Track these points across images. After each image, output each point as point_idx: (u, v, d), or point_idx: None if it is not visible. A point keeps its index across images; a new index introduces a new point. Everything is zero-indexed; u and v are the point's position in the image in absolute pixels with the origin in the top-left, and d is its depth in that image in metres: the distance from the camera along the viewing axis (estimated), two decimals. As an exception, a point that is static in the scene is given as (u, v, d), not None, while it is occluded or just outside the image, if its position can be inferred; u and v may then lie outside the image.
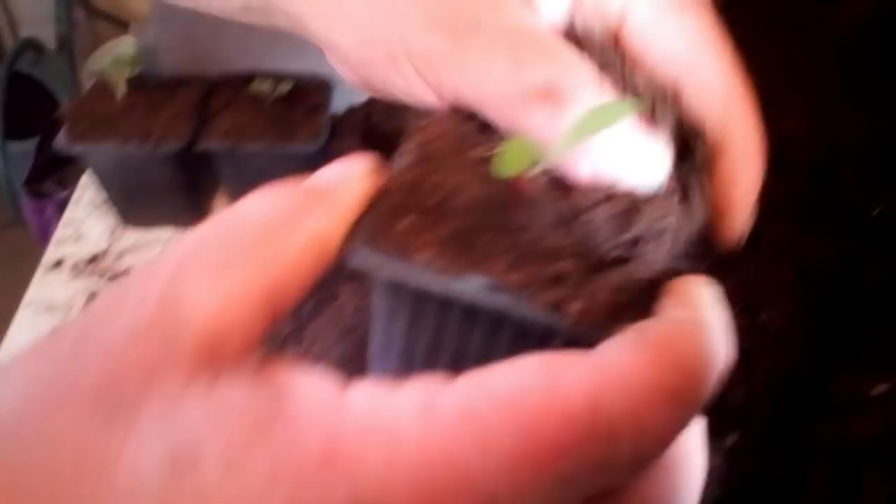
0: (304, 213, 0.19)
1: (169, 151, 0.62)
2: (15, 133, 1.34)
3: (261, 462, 0.14)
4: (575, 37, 0.25)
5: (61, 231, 0.66)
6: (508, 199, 0.20)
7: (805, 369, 0.48)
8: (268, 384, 0.16)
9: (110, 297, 0.17)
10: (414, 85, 0.24)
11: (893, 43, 0.56)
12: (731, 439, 0.48)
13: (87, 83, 0.82)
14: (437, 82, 0.23)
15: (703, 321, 0.17)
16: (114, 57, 0.66)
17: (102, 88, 0.66)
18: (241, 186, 0.65)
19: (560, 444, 0.14)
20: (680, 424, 0.16)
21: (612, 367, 0.15)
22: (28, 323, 0.58)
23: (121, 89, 0.63)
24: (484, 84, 0.22)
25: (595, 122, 0.19)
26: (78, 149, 0.62)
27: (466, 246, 0.18)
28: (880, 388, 0.45)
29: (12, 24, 1.51)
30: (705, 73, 0.24)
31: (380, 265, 0.18)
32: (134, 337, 0.16)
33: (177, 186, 0.66)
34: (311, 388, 0.16)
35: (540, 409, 0.14)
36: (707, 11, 0.25)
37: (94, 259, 0.64)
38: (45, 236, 1.23)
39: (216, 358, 0.16)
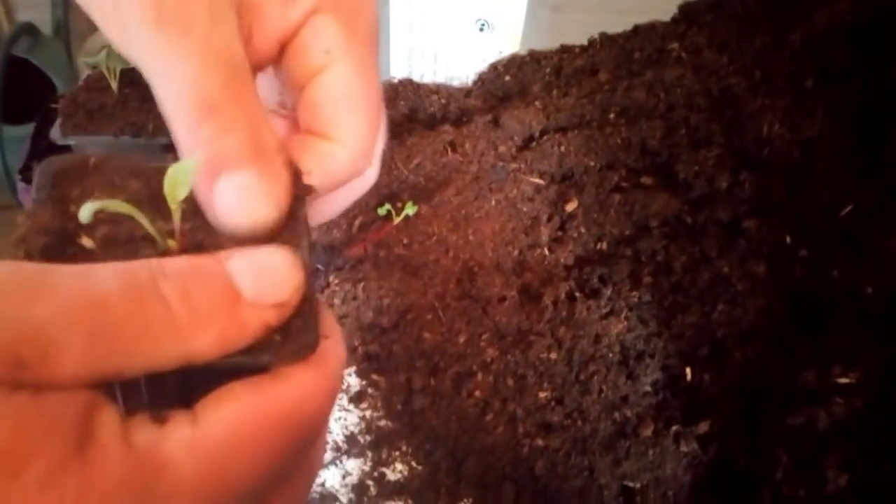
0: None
1: (162, 144, 0.63)
2: (11, 117, 1.34)
3: (73, 485, 0.18)
4: None
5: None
6: None
7: (774, 361, 0.51)
8: (83, 409, 0.19)
9: None
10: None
11: (866, 48, 0.58)
12: (702, 426, 0.50)
13: (83, 67, 0.82)
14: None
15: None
16: (108, 49, 0.67)
17: (96, 81, 0.67)
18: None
19: (288, 444, 0.22)
20: (333, 399, 0.24)
21: (300, 384, 0.22)
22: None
23: (114, 82, 0.65)
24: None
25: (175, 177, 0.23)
26: (72, 140, 0.63)
27: None
28: (845, 380, 0.47)
29: (8, 8, 1.51)
30: (346, 126, 0.28)
31: None
32: None
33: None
34: (111, 422, 0.19)
35: (258, 424, 0.21)
36: (367, 50, 0.29)
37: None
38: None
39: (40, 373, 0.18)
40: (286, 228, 0.25)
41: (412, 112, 0.72)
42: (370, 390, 0.57)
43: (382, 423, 0.55)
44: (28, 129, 1.32)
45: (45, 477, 0.17)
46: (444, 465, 0.52)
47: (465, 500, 0.50)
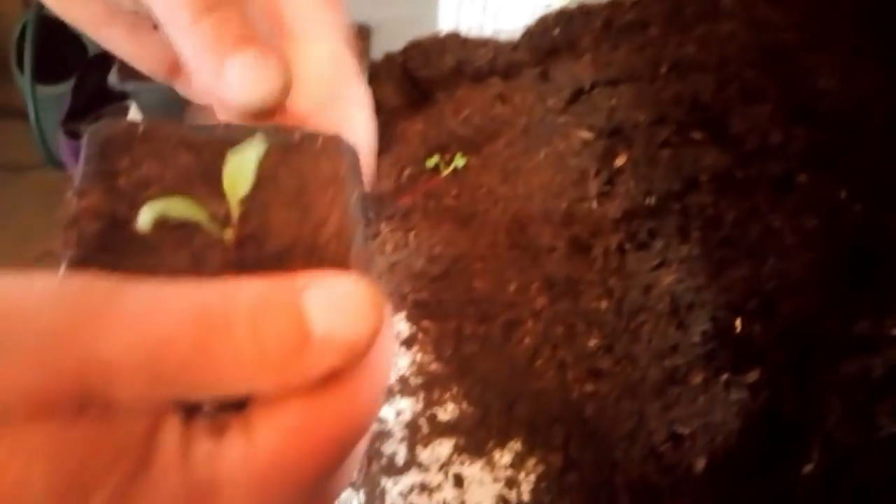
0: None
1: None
2: (44, 77, 1.35)
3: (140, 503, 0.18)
4: None
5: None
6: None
7: (826, 312, 0.51)
8: (146, 434, 0.19)
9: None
10: None
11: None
12: (751, 375, 0.51)
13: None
14: None
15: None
16: None
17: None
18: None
19: (336, 456, 0.21)
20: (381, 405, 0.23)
21: (353, 393, 0.21)
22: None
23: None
24: None
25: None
26: (130, 87, 0.64)
27: None
28: (897, 331, 0.47)
29: (40, -34, 1.52)
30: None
31: None
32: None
33: (220, 127, 0.68)
34: (172, 442, 0.19)
35: (313, 439, 0.20)
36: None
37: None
38: (79, 177, 1.26)
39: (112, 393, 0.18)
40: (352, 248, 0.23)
41: (459, 65, 0.72)
42: (420, 335, 0.58)
43: (433, 366, 0.56)
44: (60, 88, 1.34)
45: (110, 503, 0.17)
46: (495, 408, 0.53)
47: (515, 440, 0.52)
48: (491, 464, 0.51)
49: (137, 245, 0.22)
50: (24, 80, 1.34)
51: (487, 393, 0.54)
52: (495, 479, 0.50)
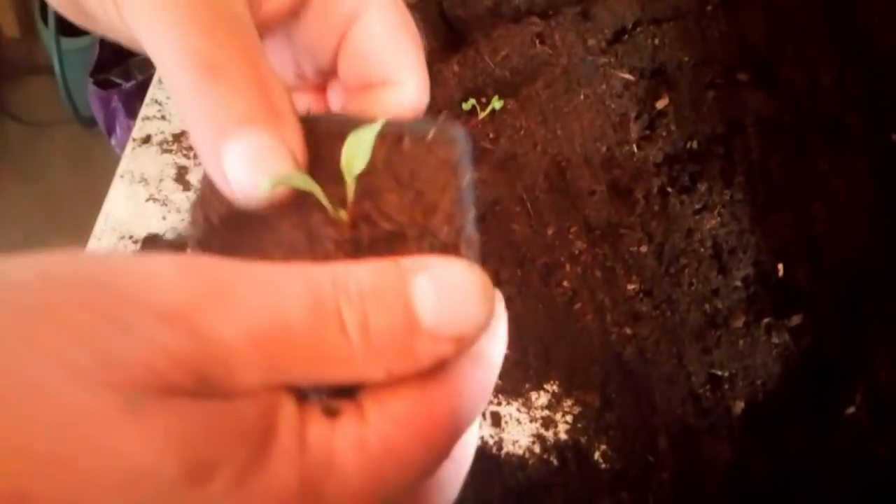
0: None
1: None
2: (69, 30, 1.35)
3: (256, 490, 0.18)
4: None
5: (146, 110, 0.69)
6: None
7: (872, 256, 0.50)
8: (265, 415, 0.19)
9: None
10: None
11: None
12: (794, 319, 0.50)
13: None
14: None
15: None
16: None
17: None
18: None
19: (444, 445, 0.21)
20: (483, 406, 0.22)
21: (464, 382, 0.21)
22: (125, 191, 0.62)
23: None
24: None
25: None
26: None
27: None
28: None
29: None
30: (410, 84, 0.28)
31: None
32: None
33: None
34: (290, 423, 0.19)
35: (424, 427, 0.20)
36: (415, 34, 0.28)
37: (179, 136, 0.67)
38: (111, 127, 1.27)
39: (228, 376, 0.18)
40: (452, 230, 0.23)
41: (497, 4, 0.70)
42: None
43: (470, 310, 0.56)
44: (85, 40, 1.33)
45: (232, 483, 0.17)
46: (532, 349, 0.53)
47: (553, 382, 0.52)
48: (528, 404, 0.52)
49: (258, 225, 0.22)
50: (48, 34, 1.33)
51: (525, 336, 0.54)
52: (532, 419, 0.51)
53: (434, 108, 0.66)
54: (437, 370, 0.20)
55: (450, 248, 0.22)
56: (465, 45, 0.68)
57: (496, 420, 0.51)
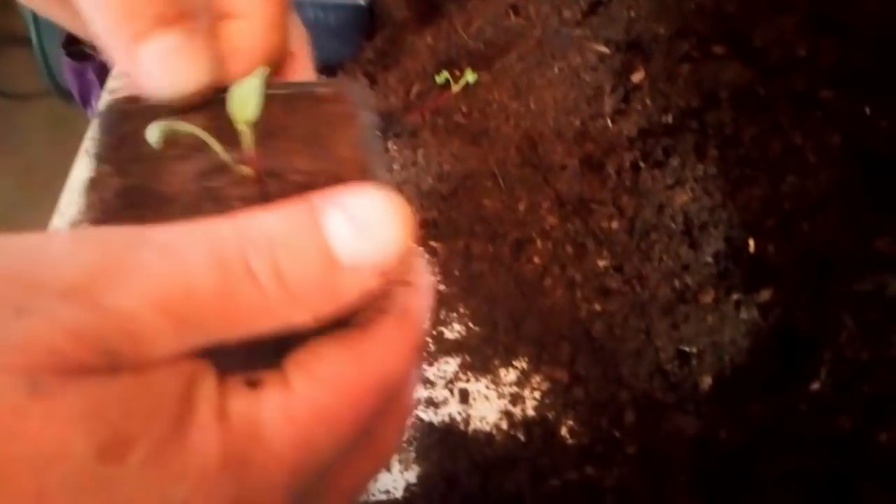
0: None
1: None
2: None
3: (174, 466, 0.17)
4: None
5: (113, 82, 0.68)
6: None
7: (844, 230, 0.50)
8: (181, 387, 0.18)
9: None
10: None
11: None
12: (764, 294, 0.50)
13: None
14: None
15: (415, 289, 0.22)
16: None
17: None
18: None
19: (374, 404, 0.20)
20: (413, 361, 0.22)
21: (388, 341, 0.21)
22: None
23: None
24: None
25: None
26: None
27: None
28: (917, 251, 0.46)
29: None
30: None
31: None
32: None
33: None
34: (208, 394, 0.19)
35: (353, 387, 0.20)
36: None
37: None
38: (86, 99, 1.24)
39: (140, 349, 0.18)
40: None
41: (471, -24, 0.69)
42: (428, 256, 0.57)
43: (441, 287, 0.56)
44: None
45: (149, 458, 0.17)
46: (502, 325, 0.53)
47: (522, 358, 0.52)
48: (496, 381, 0.51)
49: (159, 198, 0.21)
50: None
51: (495, 312, 0.54)
52: (500, 395, 0.51)
53: (407, 81, 0.65)
54: (362, 329, 0.20)
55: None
56: (439, 16, 0.67)
57: (464, 397, 0.50)
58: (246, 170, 0.22)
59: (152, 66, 0.22)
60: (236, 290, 0.18)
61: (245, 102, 0.21)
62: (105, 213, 0.21)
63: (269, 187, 0.22)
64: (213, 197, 0.21)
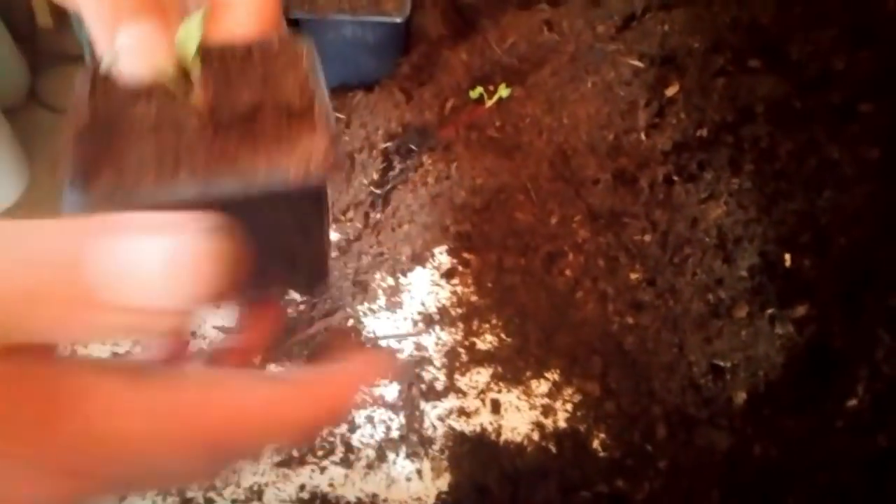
0: None
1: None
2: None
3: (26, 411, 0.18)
4: None
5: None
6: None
7: (881, 245, 0.49)
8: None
9: None
10: None
11: None
12: (799, 310, 0.50)
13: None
14: None
15: None
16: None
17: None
18: (329, 53, 0.67)
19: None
20: None
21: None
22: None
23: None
24: None
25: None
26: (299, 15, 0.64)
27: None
28: (959, 267, 0.45)
29: None
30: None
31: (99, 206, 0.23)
32: None
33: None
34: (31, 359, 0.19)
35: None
36: None
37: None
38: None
39: None
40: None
41: (506, -8, 0.70)
42: (461, 268, 0.58)
43: (473, 298, 0.57)
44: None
45: None
46: (534, 338, 0.53)
47: (554, 371, 0.52)
48: (528, 392, 0.52)
49: (124, 124, 0.25)
50: (80, 24, 1.35)
51: (526, 324, 0.54)
52: (532, 407, 0.51)
53: (442, 96, 0.66)
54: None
55: (305, 112, 0.25)
56: (474, 32, 0.68)
57: (496, 407, 0.51)
58: (196, 97, 0.25)
59: (123, 49, 0.26)
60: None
61: (189, 36, 0.25)
62: (81, 133, 0.24)
63: (221, 114, 0.25)
64: (172, 126, 0.25)
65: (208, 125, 0.24)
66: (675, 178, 0.56)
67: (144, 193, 0.23)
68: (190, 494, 0.47)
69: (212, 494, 0.47)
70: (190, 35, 0.26)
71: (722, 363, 0.50)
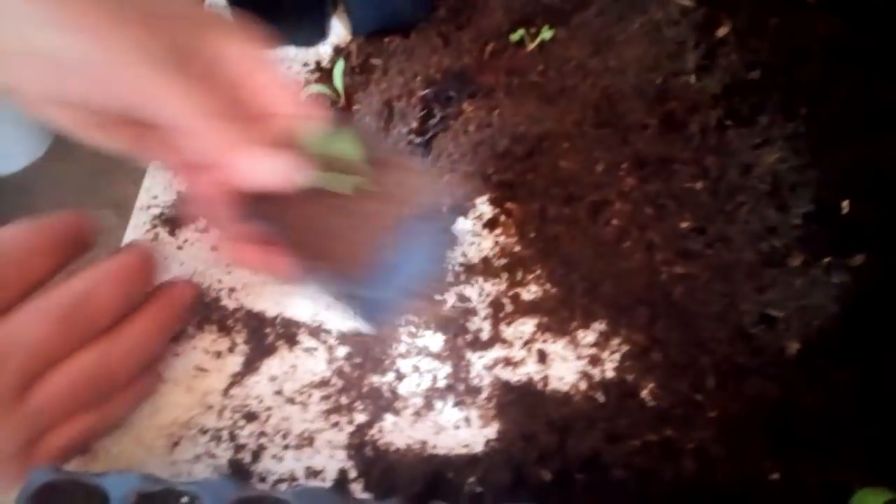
0: None
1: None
2: None
3: None
4: None
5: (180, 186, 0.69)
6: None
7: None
8: None
9: None
10: None
11: None
12: (857, 259, 0.48)
13: None
14: None
15: None
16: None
17: None
18: (362, 4, 0.65)
19: None
20: None
21: None
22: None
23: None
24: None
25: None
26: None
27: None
28: None
29: None
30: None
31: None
32: None
33: (299, 5, 0.66)
34: None
35: None
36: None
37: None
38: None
39: None
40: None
41: (547, -72, 0.67)
42: (503, 217, 0.57)
43: (517, 248, 0.56)
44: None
45: None
46: (579, 288, 0.53)
47: (600, 321, 0.52)
48: (574, 342, 0.51)
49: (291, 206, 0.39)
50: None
51: (572, 274, 0.54)
52: (578, 357, 0.51)
53: (481, 40, 0.64)
54: None
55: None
56: None
57: (542, 357, 0.51)
58: (368, 186, 0.37)
59: (249, 169, 0.36)
60: None
61: (352, 145, 0.37)
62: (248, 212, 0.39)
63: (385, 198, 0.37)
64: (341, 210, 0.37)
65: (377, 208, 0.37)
66: (727, 122, 0.55)
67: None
68: (242, 441, 0.48)
69: (263, 441, 0.48)
70: (351, 143, 0.37)
71: (774, 313, 0.49)
